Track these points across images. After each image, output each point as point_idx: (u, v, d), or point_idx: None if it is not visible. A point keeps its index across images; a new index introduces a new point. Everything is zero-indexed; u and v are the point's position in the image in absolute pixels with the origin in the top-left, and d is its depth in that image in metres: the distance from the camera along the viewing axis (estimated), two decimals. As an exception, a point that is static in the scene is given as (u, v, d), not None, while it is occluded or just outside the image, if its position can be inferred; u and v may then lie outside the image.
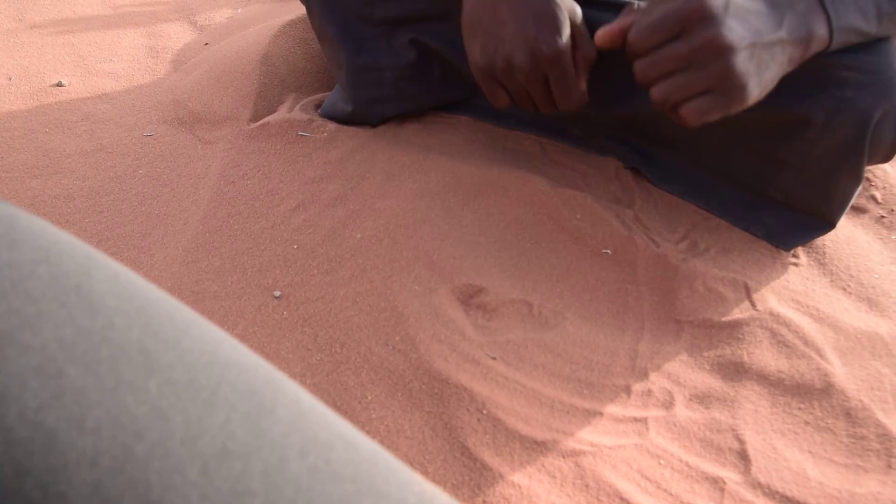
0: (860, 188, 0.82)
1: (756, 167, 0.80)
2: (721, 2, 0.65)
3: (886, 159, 0.78)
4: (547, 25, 0.75)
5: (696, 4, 0.65)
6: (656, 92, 0.68)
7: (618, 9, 0.81)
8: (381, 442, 0.62)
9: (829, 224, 0.81)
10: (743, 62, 0.65)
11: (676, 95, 0.67)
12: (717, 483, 0.60)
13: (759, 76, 0.66)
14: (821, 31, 0.68)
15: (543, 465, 0.60)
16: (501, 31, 0.76)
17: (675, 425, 0.64)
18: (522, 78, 0.78)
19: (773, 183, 0.81)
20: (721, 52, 0.64)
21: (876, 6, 0.69)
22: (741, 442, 0.63)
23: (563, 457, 0.61)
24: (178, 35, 1.28)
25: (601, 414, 0.65)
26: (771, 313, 0.73)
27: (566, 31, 0.75)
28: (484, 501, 0.57)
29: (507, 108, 0.83)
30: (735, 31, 0.64)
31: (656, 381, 0.68)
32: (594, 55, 0.78)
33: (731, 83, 0.65)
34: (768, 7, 0.67)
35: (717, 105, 0.66)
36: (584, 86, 0.79)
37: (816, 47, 0.69)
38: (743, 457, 0.62)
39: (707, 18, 0.64)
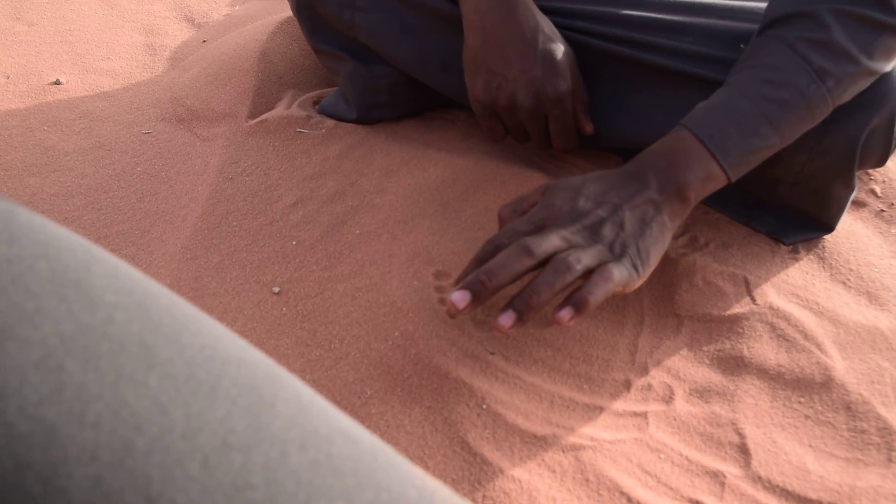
0: (855, 191, 0.82)
1: (751, 184, 0.80)
2: (567, 207, 0.65)
3: (878, 165, 0.79)
4: (552, 68, 0.77)
5: (543, 212, 0.65)
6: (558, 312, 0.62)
7: (608, 39, 0.82)
8: (381, 437, 0.62)
9: (828, 227, 0.81)
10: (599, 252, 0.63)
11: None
12: (717, 477, 0.60)
13: (635, 244, 0.64)
14: (703, 171, 0.67)
15: (543, 460, 0.60)
16: (506, 70, 0.78)
17: (674, 419, 0.65)
18: (524, 116, 0.80)
19: (769, 196, 0.81)
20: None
21: (764, 117, 0.67)
22: (741, 436, 0.63)
23: (563, 451, 0.61)
24: (175, 33, 1.28)
25: (601, 408, 0.65)
26: (771, 307, 0.73)
27: (569, 76, 0.78)
28: (484, 496, 0.57)
29: (503, 140, 0.86)
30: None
31: (656, 376, 0.68)
32: (588, 99, 0.82)
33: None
34: (622, 178, 0.67)
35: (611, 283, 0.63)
36: (590, 129, 0.82)
37: (715, 185, 0.68)
38: (743, 451, 0.62)
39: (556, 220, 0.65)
